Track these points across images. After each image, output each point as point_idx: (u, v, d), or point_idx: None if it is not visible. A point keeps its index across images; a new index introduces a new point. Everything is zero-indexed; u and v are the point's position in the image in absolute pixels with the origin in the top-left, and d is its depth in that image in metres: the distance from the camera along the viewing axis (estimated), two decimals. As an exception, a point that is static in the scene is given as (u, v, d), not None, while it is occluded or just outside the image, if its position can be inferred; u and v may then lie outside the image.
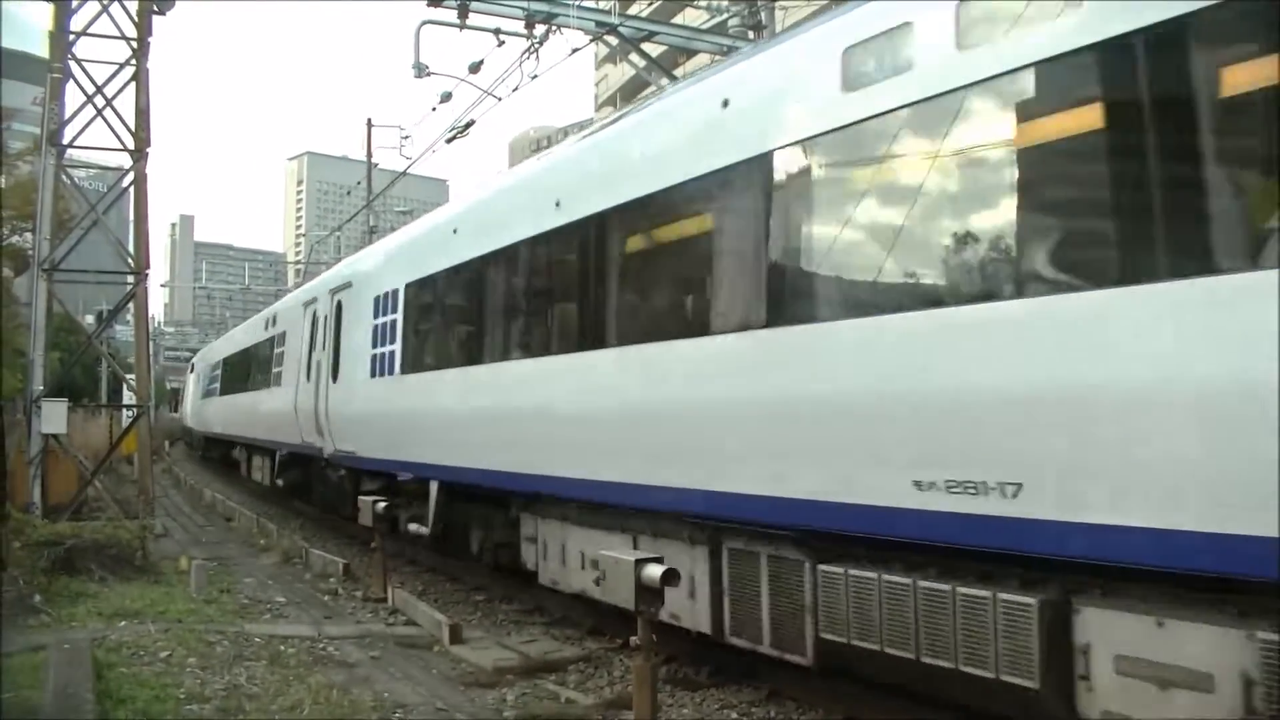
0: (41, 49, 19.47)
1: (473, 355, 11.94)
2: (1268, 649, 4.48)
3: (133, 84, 18.01)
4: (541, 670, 9.21)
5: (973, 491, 5.52)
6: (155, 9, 18.15)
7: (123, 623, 10.39)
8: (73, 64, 17.88)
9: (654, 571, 6.92)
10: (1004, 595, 5.55)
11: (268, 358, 23.17)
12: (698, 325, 7.95)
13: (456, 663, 9.61)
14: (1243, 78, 4.69)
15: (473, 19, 15.39)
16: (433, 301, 13.39)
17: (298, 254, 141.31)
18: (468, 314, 12.29)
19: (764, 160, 7.25)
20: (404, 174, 27.34)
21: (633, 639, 7.06)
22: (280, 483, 22.17)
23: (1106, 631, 5.17)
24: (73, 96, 18.11)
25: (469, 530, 12.62)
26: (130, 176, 18.34)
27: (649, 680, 6.94)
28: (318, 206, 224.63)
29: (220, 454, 34.96)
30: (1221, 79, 4.79)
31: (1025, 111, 5.56)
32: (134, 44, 18.00)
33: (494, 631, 11.07)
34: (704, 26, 18.32)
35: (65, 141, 18.06)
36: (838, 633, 6.60)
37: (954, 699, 6.16)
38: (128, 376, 22.15)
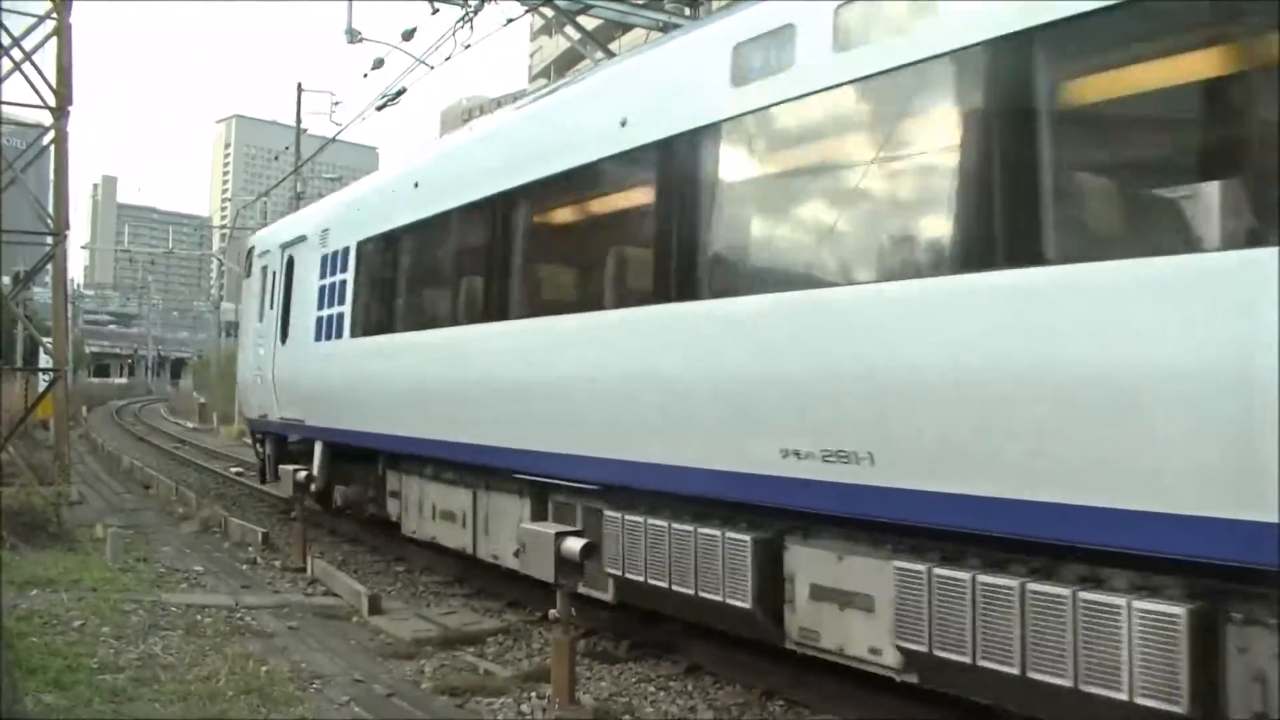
0: (-44, -1, 18.88)
1: None
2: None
3: (54, 39, 17.54)
4: (460, 642, 9.24)
5: None
6: (78, -38, 17.69)
7: (35, 591, 10.22)
8: (-11, 15, 17.38)
9: (574, 545, 6.98)
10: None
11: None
12: None
13: (375, 634, 9.60)
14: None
15: (407, -15, 15.23)
16: None
17: (223, 219, 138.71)
18: None
19: None
20: (333, 140, 27.07)
21: (552, 612, 7.12)
22: None
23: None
24: (-11, 50, 17.59)
25: None
26: (50, 135, 17.92)
27: (568, 653, 7.01)
28: (245, 171, 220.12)
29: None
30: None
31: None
32: (55, -2, 17.54)
33: (413, 603, 11.08)
34: (640, 1, 18.26)
35: (-19, 97, 17.57)
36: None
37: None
38: (45, 340, 21.69)
